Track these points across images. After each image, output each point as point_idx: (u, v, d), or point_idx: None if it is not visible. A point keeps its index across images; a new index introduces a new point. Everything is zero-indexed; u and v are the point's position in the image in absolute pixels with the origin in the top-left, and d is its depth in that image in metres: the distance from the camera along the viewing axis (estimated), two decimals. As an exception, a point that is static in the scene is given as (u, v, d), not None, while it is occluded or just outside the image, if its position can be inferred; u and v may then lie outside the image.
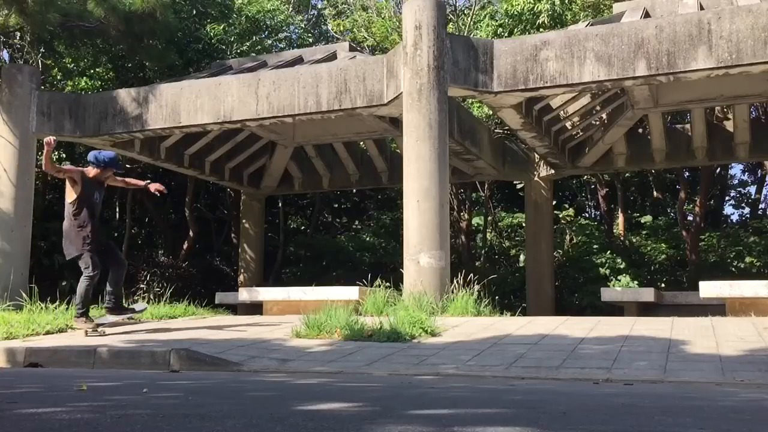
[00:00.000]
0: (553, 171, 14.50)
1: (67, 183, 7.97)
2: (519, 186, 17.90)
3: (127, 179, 8.80)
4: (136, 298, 10.39)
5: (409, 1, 9.98)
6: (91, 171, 8.01)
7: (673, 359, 5.44)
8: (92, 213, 7.91)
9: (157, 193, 8.35)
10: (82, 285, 7.84)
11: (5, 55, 16.60)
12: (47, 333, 8.03)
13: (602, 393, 3.80)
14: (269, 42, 17.53)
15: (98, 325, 7.91)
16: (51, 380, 4.57)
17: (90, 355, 6.36)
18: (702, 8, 10.26)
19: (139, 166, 16.44)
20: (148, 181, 8.71)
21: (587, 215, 21.80)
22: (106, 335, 7.65)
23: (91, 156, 8.11)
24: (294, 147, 15.20)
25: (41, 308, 9.05)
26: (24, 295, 9.81)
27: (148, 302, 10.72)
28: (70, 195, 7.93)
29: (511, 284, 16.72)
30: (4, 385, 4.06)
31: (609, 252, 16.64)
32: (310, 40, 19.44)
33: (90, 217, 7.86)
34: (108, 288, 8.19)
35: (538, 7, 14.65)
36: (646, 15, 10.74)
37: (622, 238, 18.34)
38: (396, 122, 11.97)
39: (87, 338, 7.53)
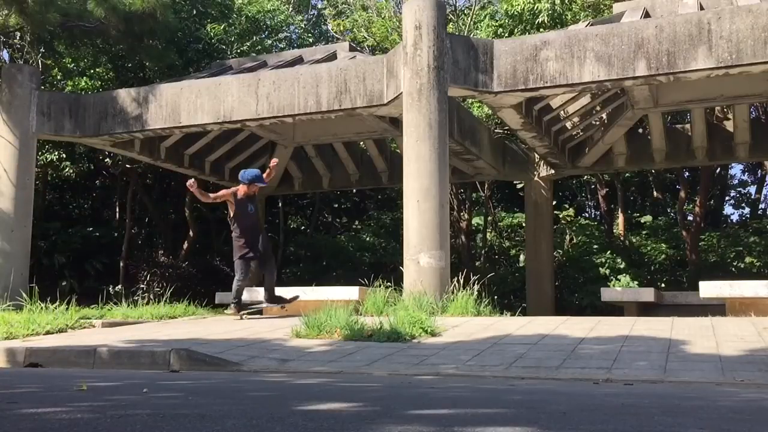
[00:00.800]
0: (553, 171, 14.50)
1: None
2: (519, 186, 17.91)
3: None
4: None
5: (409, 1, 9.98)
6: (241, 189, 9.19)
7: (673, 359, 5.44)
8: (247, 225, 9.15)
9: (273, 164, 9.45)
10: (234, 285, 9.34)
11: (5, 55, 16.61)
12: (47, 333, 8.03)
13: (602, 393, 3.80)
14: (269, 42, 17.54)
15: (247, 312, 9.41)
16: (51, 380, 4.57)
17: (90, 355, 6.35)
18: (702, 8, 10.26)
19: (139, 166, 16.45)
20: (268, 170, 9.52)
21: (587, 215, 21.80)
22: (249, 319, 9.09)
23: (239, 176, 9.34)
24: (294, 147, 15.20)
25: (41, 308, 9.05)
26: (24, 295, 9.81)
27: (147, 302, 10.74)
28: (230, 213, 9.28)
29: (511, 284, 16.72)
30: (4, 385, 4.06)
31: (609, 252, 16.65)
32: (310, 40, 19.45)
33: (246, 229, 9.14)
34: (264, 287, 9.51)
35: (537, 7, 14.65)
36: (646, 15, 10.74)
37: (622, 238, 18.34)
38: (396, 122, 11.97)
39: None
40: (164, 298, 10.76)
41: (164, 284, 14.69)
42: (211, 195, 9.38)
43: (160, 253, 18.25)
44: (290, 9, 20.02)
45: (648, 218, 19.17)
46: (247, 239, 9.17)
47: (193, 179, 9.11)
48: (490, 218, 19.66)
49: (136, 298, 11.96)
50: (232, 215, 9.24)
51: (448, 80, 9.66)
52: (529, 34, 14.05)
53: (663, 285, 16.25)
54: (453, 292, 8.84)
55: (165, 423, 2.42)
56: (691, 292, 11.95)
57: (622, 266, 16.05)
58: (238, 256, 9.22)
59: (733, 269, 16.58)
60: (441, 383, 4.43)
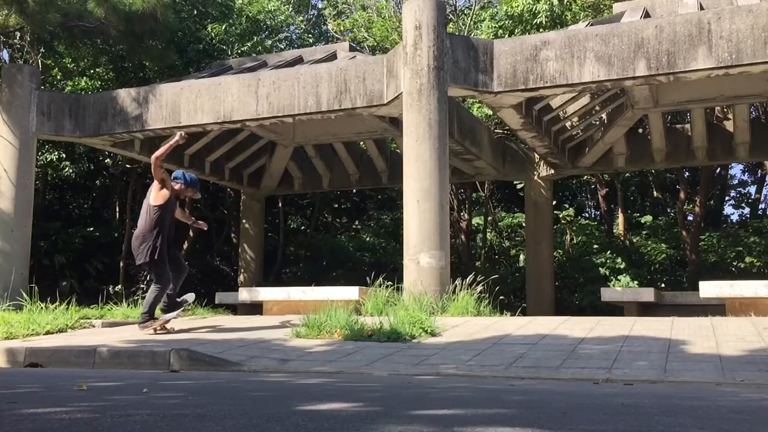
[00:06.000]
0: (553, 171, 14.50)
1: (155, 186, 7.78)
2: (519, 186, 17.91)
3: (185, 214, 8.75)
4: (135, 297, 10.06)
5: (409, 1, 9.98)
6: (176, 185, 7.91)
7: (673, 359, 5.45)
8: (170, 223, 7.86)
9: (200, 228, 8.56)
10: (151, 294, 7.82)
11: (5, 55, 16.61)
12: (47, 333, 8.03)
13: (602, 393, 3.80)
14: (269, 42, 17.54)
15: (165, 323, 7.96)
16: (51, 380, 4.57)
17: (90, 355, 6.36)
18: (702, 8, 10.26)
19: (139, 166, 16.45)
20: (194, 219, 8.82)
21: (587, 215, 21.80)
22: (175, 332, 7.82)
23: (177, 173, 8.13)
24: (294, 147, 15.20)
25: (41, 308, 9.04)
26: (24, 295, 9.80)
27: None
28: (157, 199, 7.72)
29: (511, 284, 16.72)
30: (4, 385, 4.06)
31: (609, 252, 16.64)
32: (311, 40, 19.45)
33: (166, 227, 7.79)
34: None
35: (537, 8, 14.65)
36: (646, 15, 10.75)
37: (622, 238, 18.34)
38: (396, 122, 11.97)
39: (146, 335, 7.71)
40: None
41: (164, 284, 14.66)
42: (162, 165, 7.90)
43: (160, 253, 18.21)
44: (290, 9, 20.02)
45: (648, 218, 19.17)
46: (166, 238, 7.81)
47: (183, 133, 7.86)
48: (490, 218, 19.66)
49: (136, 298, 11.95)
50: (162, 203, 7.70)
51: (448, 80, 9.66)
52: (528, 34, 14.04)
53: (663, 285, 16.25)
54: (453, 292, 8.84)
55: (165, 423, 2.42)
56: (691, 292, 11.95)
57: (622, 266, 16.05)
58: (153, 257, 7.62)
59: (733, 269, 16.58)
60: (441, 383, 4.43)
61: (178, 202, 8.20)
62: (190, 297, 8.66)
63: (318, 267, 18.39)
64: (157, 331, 7.79)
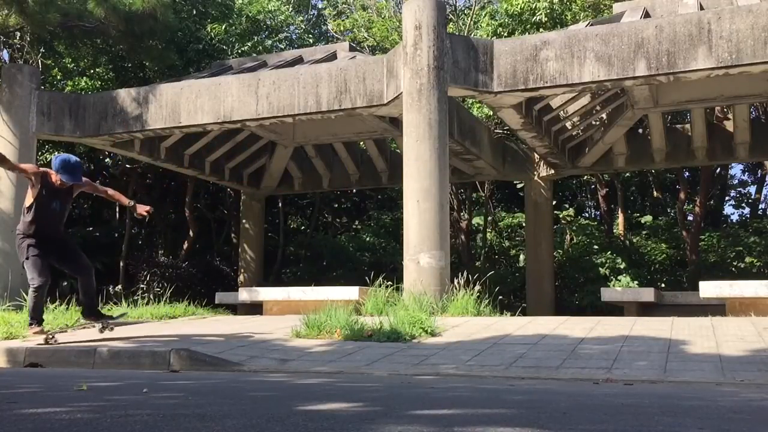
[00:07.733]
0: (553, 171, 14.50)
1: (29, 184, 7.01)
2: (519, 186, 17.92)
3: (109, 191, 7.72)
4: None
5: (409, 1, 9.98)
6: (54, 175, 6.89)
7: (673, 359, 5.45)
8: (45, 221, 6.99)
9: (140, 216, 7.55)
10: (29, 297, 7.16)
11: (5, 55, 16.61)
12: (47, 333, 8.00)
13: (602, 393, 3.80)
14: (269, 42, 17.55)
15: (52, 334, 7.15)
16: (51, 380, 4.57)
17: (90, 355, 6.35)
18: (702, 8, 10.26)
19: (139, 166, 16.45)
20: (133, 202, 7.74)
21: (587, 215, 21.81)
22: (58, 343, 6.94)
23: (53, 158, 7.20)
24: (294, 147, 15.20)
25: (41, 308, 9.01)
26: (24, 295, 9.80)
27: (147, 303, 10.72)
28: (26, 200, 7.01)
29: (511, 284, 16.72)
30: (4, 385, 4.06)
31: (609, 252, 16.65)
32: (311, 40, 19.46)
33: (42, 226, 6.97)
34: (81, 296, 7.59)
35: (536, 6, 14.66)
36: (646, 15, 10.75)
37: (622, 238, 18.34)
38: (396, 122, 11.97)
39: (41, 343, 6.96)
40: (164, 298, 10.76)
41: (164, 284, 14.69)
42: (21, 165, 7.30)
43: (160, 253, 18.25)
44: (290, 9, 20.03)
45: (648, 218, 19.18)
46: (40, 237, 6.98)
47: None
48: (490, 218, 19.66)
49: (136, 298, 11.95)
50: (28, 204, 6.94)
51: (448, 80, 9.66)
52: (528, 33, 14.05)
53: (663, 285, 16.25)
54: (453, 292, 8.84)
55: (165, 423, 2.42)
56: (691, 292, 11.96)
57: (622, 266, 16.05)
58: (26, 255, 6.95)
59: (733, 269, 16.58)
60: (441, 383, 4.43)
61: (62, 192, 7.08)
62: (113, 322, 7.65)
63: (318, 267, 18.40)
64: (49, 341, 6.89)
